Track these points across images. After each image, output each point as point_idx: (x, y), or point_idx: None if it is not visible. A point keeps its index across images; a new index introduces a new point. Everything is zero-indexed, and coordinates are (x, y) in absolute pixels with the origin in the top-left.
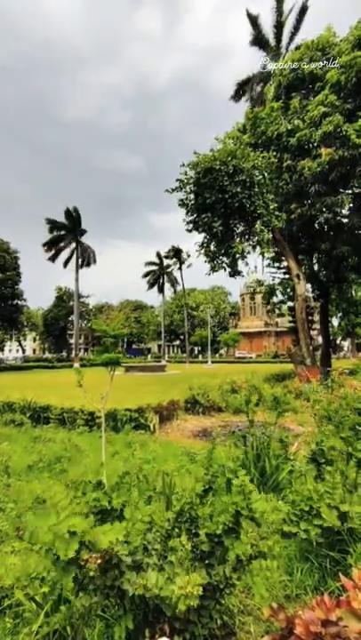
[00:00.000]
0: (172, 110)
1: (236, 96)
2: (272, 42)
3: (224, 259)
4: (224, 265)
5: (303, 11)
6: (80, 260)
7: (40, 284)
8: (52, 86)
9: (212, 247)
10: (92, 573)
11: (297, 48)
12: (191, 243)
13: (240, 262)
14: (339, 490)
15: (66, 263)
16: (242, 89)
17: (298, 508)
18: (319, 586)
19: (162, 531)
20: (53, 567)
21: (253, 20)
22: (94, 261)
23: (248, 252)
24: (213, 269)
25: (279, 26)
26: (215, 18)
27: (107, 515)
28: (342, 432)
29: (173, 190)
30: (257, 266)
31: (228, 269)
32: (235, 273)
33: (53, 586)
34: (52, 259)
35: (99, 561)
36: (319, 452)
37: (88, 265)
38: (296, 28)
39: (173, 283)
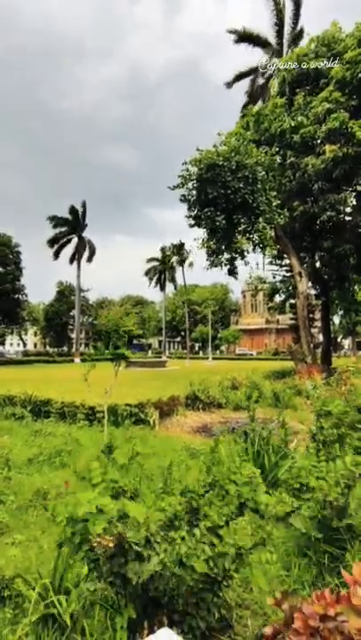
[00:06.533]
0: (170, 103)
1: (234, 82)
2: (272, 40)
3: (225, 255)
4: (223, 261)
5: (298, 6)
6: (81, 255)
7: (41, 278)
8: (48, 79)
9: (212, 243)
10: (102, 560)
11: (304, 42)
12: (192, 238)
13: (240, 261)
14: (323, 463)
15: (71, 260)
16: (238, 80)
17: (290, 487)
18: (317, 581)
19: (165, 520)
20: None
21: (241, 34)
22: (91, 258)
23: (248, 252)
24: (213, 265)
25: (280, 23)
26: (214, 5)
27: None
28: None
29: (175, 187)
30: (258, 263)
31: (228, 267)
32: (233, 271)
33: (54, 577)
34: (56, 254)
35: (111, 544)
36: (319, 429)
37: (90, 260)
38: (295, 23)
39: (175, 279)
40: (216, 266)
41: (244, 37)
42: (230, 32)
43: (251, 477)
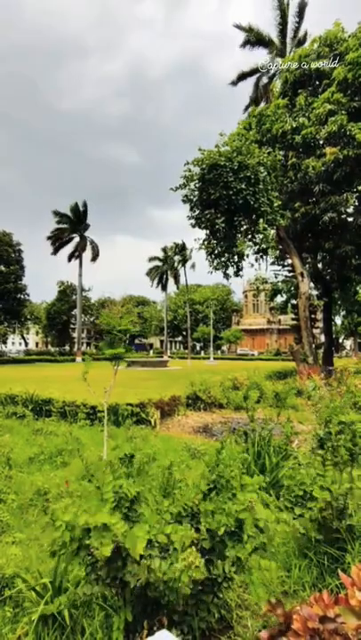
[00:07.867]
0: (173, 102)
1: (238, 81)
2: (275, 39)
3: (226, 256)
4: (225, 264)
5: (302, 6)
6: (83, 254)
7: (44, 277)
8: (48, 76)
9: (213, 245)
10: (99, 564)
11: (306, 42)
12: (193, 239)
13: (242, 262)
14: (330, 472)
15: (70, 257)
16: (242, 80)
17: (293, 494)
18: (317, 583)
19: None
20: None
21: (246, 30)
22: (95, 258)
23: (247, 256)
24: (215, 268)
25: (283, 22)
26: (217, 3)
27: (122, 502)
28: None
29: (177, 188)
30: (261, 263)
31: (231, 269)
32: (237, 273)
33: (54, 576)
34: (55, 252)
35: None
36: (327, 435)
37: (94, 260)
38: (299, 23)
39: (177, 278)
40: (218, 269)
41: (249, 38)
42: (236, 27)
43: (249, 503)
